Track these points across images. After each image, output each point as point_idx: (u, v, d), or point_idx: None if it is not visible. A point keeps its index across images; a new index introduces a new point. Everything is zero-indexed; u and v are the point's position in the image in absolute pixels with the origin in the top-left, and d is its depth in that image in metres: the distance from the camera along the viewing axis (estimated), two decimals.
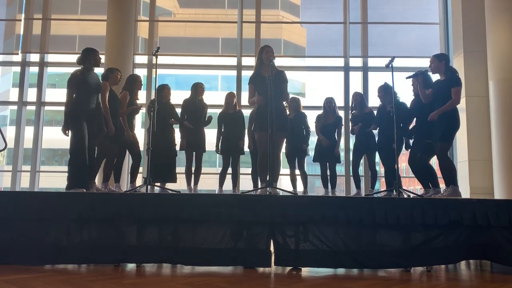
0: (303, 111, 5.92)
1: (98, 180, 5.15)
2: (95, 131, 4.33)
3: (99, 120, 4.39)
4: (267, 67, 4.32)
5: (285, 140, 4.77)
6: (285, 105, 4.66)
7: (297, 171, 5.92)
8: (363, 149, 5.58)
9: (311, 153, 6.02)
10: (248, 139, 5.69)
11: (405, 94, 5.20)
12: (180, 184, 5.50)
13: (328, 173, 5.78)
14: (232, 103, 5.80)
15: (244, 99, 8.19)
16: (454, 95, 4.21)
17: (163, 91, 5.38)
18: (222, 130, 5.74)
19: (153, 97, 4.94)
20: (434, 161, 4.79)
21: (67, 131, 4.14)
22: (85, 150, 4.14)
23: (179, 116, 5.53)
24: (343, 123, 5.96)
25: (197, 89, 5.62)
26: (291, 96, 5.27)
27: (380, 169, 5.60)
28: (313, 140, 6.03)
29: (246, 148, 5.88)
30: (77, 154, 4.10)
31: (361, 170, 5.77)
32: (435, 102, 4.36)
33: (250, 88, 4.49)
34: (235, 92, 6.01)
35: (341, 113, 6.19)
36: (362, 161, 5.85)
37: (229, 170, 5.77)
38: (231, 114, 5.74)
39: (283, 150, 5.81)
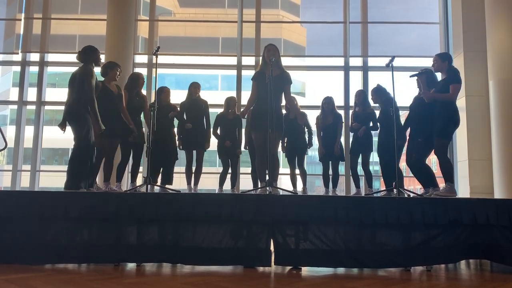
0: (302, 110, 5.92)
1: (99, 179, 5.15)
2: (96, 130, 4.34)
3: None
4: (269, 66, 4.29)
5: (281, 139, 4.75)
6: (283, 105, 4.64)
7: (297, 170, 5.92)
8: (360, 148, 5.59)
9: (311, 153, 6.02)
10: (244, 139, 5.71)
11: (406, 92, 5.20)
12: (180, 184, 5.51)
13: (330, 172, 5.78)
14: (233, 109, 5.81)
15: (244, 99, 8.22)
16: (451, 90, 4.24)
17: (161, 94, 5.36)
18: (218, 132, 5.75)
19: (153, 96, 4.94)
20: (434, 160, 4.79)
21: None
22: (90, 149, 4.14)
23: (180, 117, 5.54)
24: (343, 120, 5.96)
25: (190, 89, 5.63)
26: (292, 94, 5.27)
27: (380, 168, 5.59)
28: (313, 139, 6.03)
29: (242, 148, 5.89)
30: (83, 152, 4.11)
31: (360, 169, 5.75)
32: (436, 101, 4.37)
33: (252, 85, 4.49)
34: (235, 98, 6.00)
35: (341, 113, 6.18)
36: (360, 160, 5.85)
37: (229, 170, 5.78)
38: (229, 119, 5.75)
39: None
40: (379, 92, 5.35)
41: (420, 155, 4.59)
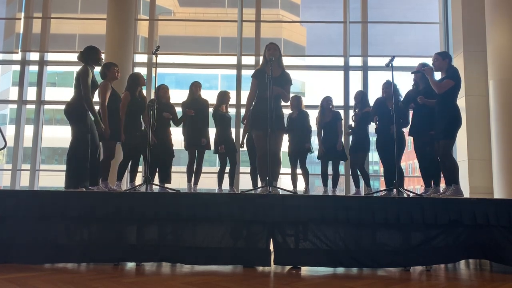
0: (305, 110, 5.92)
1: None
2: (96, 130, 4.34)
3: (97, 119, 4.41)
4: (269, 65, 4.27)
5: (283, 138, 4.73)
6: (284, 104, 4.62)
7: (298, 170, 5.92)
8: (358, 149, 5.59)
9: (316, 151, 6.02)
10: (241, 138, 5.70)
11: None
12: (180, 184, 5.51)
13: (331, 171, 5.78)
14: (227, 103, 5.81)
15: (244, 98, 8.20)
16: (444, 83, 4.21)
17: (159, 91, 5.35)
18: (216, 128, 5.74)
19: (153, 96, 4.93)
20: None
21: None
22: (88, 148, 4.14)
23: (179, 117, 5.53)
24: (342, 117, 5.95)
25: (192, 88, 5.65)
26: (292, 94, 5.27)
27: (380, 168, 5.60)
28: (312, 138, 6.04)
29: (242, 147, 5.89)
30: (79, 151, 4.10)
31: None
32: (434, 98, 4.36)
33: (252, 82, 4.47)
34: (229, 92, 5.99)
35: (341, 112, 6.19)
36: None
37: (227, 170, 5.78)
38: (223, 113, 5.74)
39: (285, 149, 5.83)
40: (390, 86, 5.23)
41: (432, 148, 4.56)
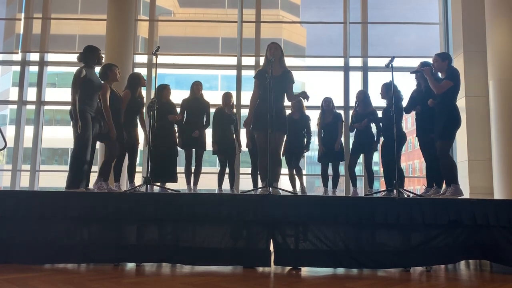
0: (307, 113, 5.93)
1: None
2: (97, 131, 4.34)
3: (99, 120, 4.40)
4: (269, 65, 4.27)
5: (284, 139, 4.72)
6: (286, 105, 4.59)
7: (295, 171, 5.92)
8: (361, 148, 5.59)
9: (311, 153, 6.03)
10: (246, 138, 5.70)
11: (406, 92, 5.17)
12: (180, 184, 5.50)
13: (331, 172, 5.78)
14: (230, 103, 5.81)
15: (244, 98, 8.22)
16: (443, 84, 4.21)
17: (163, 91, 5.38)
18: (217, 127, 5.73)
19: (153, 96, 4.93)
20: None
21: (78, 127, 4.07)
22: (89, 150, 4.15)
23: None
24: (343, 119, 5.96)
25: (193, 87, 5.66)
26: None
27: (380, 169, 5.59)
28: (312, 140, 6.04)
29: (244, 148, 5.89)
30: (81, 153, 4.11)
31: (358, 169, 5.76)
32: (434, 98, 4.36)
33: (255, 83, 4.47)
34: (231, 93, 5.99)
35: (341, 113, 6.19)
36: (360, 160, 5.85)
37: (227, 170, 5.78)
38: (226, 114, 5.74)
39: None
40: (390, 87, 5.24)
41: (434, 151, 4.56)
